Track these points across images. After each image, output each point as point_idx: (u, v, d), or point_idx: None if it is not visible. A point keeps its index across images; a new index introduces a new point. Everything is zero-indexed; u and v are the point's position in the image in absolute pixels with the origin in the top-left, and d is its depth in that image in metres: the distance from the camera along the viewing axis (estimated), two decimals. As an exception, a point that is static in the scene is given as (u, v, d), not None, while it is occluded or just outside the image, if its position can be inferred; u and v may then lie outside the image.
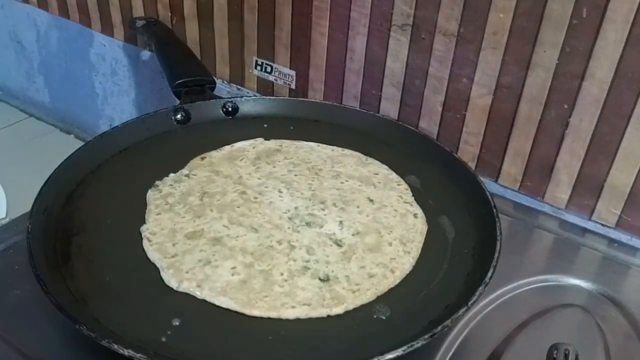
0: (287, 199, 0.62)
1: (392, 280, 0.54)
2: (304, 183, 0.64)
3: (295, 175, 0.65)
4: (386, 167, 0.68)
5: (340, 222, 0.59)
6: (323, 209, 0.60)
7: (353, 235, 0.58)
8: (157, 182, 0.63)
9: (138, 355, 0.43)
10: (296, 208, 0.60)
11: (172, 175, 0.64)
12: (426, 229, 0.60)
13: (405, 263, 0.55)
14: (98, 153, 0.66)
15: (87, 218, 0.58)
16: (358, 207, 0.61)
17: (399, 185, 0.65)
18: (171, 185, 0.63)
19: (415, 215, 0.61)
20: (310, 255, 0.55)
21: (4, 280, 0.56)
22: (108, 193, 0.62)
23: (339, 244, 0.57)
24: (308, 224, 0.59)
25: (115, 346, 0.44)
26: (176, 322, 0.49)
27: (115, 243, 0.56)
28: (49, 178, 0.59)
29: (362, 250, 0.56)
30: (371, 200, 0.62)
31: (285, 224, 0.58)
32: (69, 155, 0.63)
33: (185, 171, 0.65)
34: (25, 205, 0.56)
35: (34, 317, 0.53)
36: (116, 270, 0.53)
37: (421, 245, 0.58)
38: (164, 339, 0.47)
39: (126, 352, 0.43)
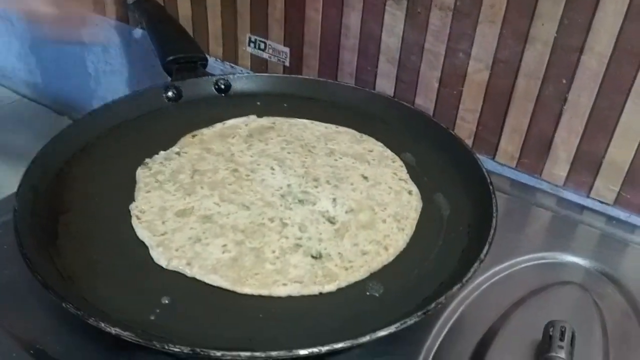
0: (279, 177, 0.60)
1: (386, 257, 0.53)
2: (297, 160, 0.63)
3: (288, 152, 0.64)
4: (381, 144, 0.67)
5: (334, 199, 0.58)
6: (316, 187, 0.59)
7: (346, 212, 0.57)
8: (147, 160, 0.62)
9: (125, 333, 0.43)
10: (289, 185, 0.59)
11: (162, 153, 0.63)
12: (421, 206, 0.59)
13: (399, 240, 0.55)
14: (87, 131, 0.64)
15: (75, 196, 0.57)
16: (352, 184, 0.60)
17: (393, 162, 0.64)
18: (161, 163, 0.62)
19: (410, 193, 0.60)
20: (302, 232, 0.54)
21: (-7, 260, 0.55)
22: (97, 171, 0.60)
23: (332, 221, 0.56)
24: (301, 201, 0.58)
25: (102, 324, 0.43)
26: (165, 301, 0.48)
27: (103, 221, 0.55)
28: (36, 156, 0.58)
29: (356, 228, 0.55)
30: (365, 178, 0.61)
31: (277, 201, 0.57)
32: (57, 133, 0.62)
33: (175, 149, 0.64)
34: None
35: (22, 297, 0.52)
36: (104, 248, 0.52)
37: (415, 222, 0.57)
38: (152, 317, 0.46)
39: (113, 330, 0.43)
